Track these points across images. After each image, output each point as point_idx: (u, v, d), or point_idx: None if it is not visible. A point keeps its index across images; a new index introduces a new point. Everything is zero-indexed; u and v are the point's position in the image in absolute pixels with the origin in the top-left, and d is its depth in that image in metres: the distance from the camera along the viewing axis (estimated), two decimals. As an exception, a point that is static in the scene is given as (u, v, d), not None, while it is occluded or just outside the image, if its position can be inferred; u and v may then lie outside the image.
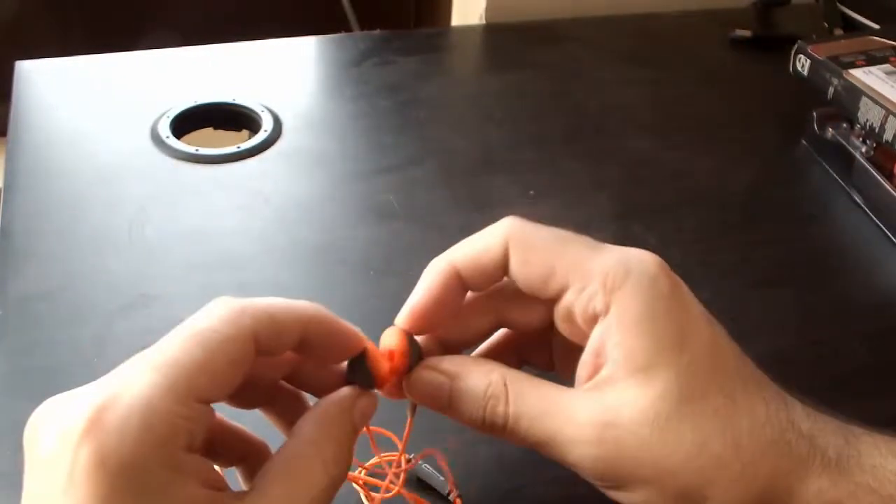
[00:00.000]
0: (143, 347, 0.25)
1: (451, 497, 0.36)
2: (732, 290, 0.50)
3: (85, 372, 0.28)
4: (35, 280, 0.47)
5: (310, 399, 0.31)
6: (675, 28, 0.82)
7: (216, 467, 0.29)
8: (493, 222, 0.31)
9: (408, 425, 0.32)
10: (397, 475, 0.33)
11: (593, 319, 0.29)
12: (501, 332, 0.34)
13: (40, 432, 0.23)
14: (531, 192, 0.57)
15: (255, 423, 0.31)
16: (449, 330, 0.32)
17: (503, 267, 0.30)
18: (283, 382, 0.31)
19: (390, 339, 0.30)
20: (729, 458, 0.27)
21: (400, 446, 0.32)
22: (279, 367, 0.30)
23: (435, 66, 0.74)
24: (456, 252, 0.31)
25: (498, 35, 0.79)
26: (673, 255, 0.30)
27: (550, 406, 0.28)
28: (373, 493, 0.35)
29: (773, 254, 0.54)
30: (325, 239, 0.52)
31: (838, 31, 0.77)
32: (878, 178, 0.56)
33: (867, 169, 0.57)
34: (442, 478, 0.37)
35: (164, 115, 0.61)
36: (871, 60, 0.59)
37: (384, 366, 0.29)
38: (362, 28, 1.14)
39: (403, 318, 0.31)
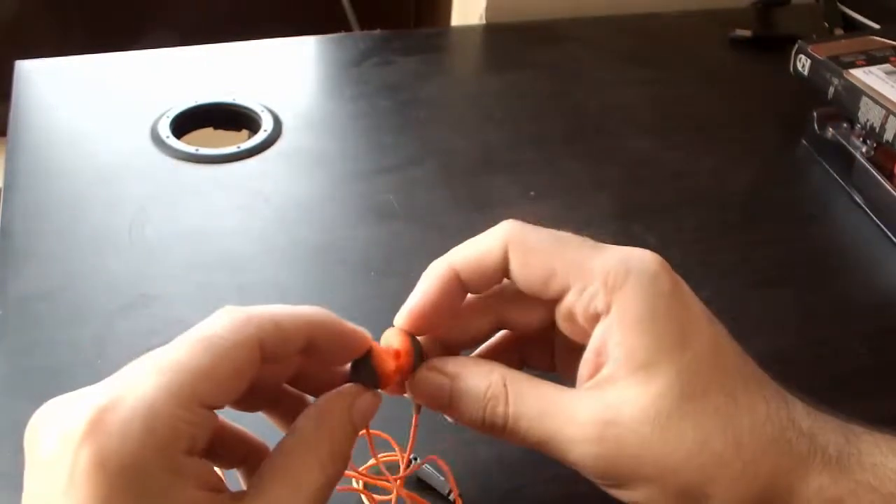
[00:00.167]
0: (144, 347, 0.25)
1: (451, 497, 0.36)
2: (732, 290, 0.50)
3: (85, 372, 0.28)
4: (35, 280, 0.47)
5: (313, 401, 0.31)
6: (675, 28, 0.82)
7: (217, 469, 0.29)
8: (494, 222, 0.31)
9: (413, 424, 0.32)
10: (398, 478, 0.33)
11: (595, 319, 0.29)
12: (502, 333, 0.34)
13: (41, 433, 0.23)
14: (531, 193, 0.57)
15: (256, 424, 0.31)
16: (449, 331, 0.32)
17: (503, 269, 0.30)
18: (287, 386, 0.31)
19: (393, 339, 0.30)
20: (730, 456, 0.27)
21: (402, 446, 0.32)
22: (283, 371, 0.30)
23: (435, 66, 0.74)
24: (455, 255, 0.31)
25: (498, 35, 0.79)
26: (673, 255, 0.30)
27: (550, 405, 0.28)
28: (374, 495, 0.35)
29: (773, 254, 0.54)
30: (325, 239, 0.52)
31: (838, 31, 0.77)
32: (879, 178, 0.56)
33: (867, 169, 0.57)
34: (442, 478, 0.37)
35: (164, 115, 0.61)
36: (872, 60, 0.59)
37: (389, 364, 0.29)
38: (362, 28, 1.14)
39: (402, 318, 0.31)
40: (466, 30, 0.82)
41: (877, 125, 0.55)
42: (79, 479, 0.22)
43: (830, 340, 0.47)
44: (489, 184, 0.58)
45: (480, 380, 0.29)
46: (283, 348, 0.27)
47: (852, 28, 0.77)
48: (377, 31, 0.77)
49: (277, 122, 0.62)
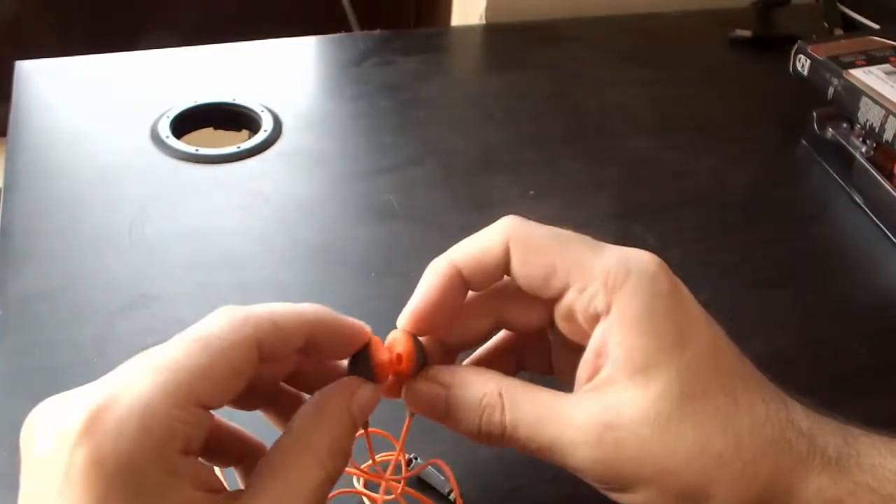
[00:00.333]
0: (144, 347, 0.25)
1: (451, 497, 0.36)
2: (732, 290, 0.50)
3: (85, 372, 0.28)
4: (35, 280, 0.47)
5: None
6: (675, 28, 0.82)
7: (215, 469, 0.29)
8: (493, 222, 0.31)
9: (405, 427, 0.31)
10: (398, 479, 0.33)
11: (595, 319, 0.29)
12: (500, 334, 0.34)
13: (37, 432, 0.23)
14: (531, 192, 0.57)
15: (255, 423, 0.31)
16: (450, 331, 0.32)
17: (504, 266, 0.30)
18: (284, 384, 0.31)
19: (396, 342, 0.30)
20: (730, 457, 0.27)
21: (398, 445, 0.32)
22: (281, 369, 0.30)
23: (435, 66, 0.74)
24: (457, 251, 0.31)
25: (498, 35, 0.79)
26: (673, 255, 0.30)
27: (548, 411, 0.28)
28: (374, 495, 0.35)
29: (773, 254, 0.54)
30: (325, 239, 0.52)
31: (838, 31, 0.77)
32: (878, 178, 0.56)
33: (867, 169, 0.57)
34: (442, 477, 0.37)
35: (164, 115, 0.61)
36: (871, 60, 0.59)
37: (384, 356, 0.29)
38: (362, 28, 1.14)
39: (406, 319, 0.30)
40: (466, 30, 0.82)
41: (876, 125, 0.55)
42: (75, 479, 0.22)
43: (830, 340, 0.47)
44: (489, 184, 0.58)
45: (476, 389, 0.29)
46: (281, 348, 0.27)
47: (852, 28, 0.77)
48: (377, 31, 0.77)
49: (277, 122, 0.62)
